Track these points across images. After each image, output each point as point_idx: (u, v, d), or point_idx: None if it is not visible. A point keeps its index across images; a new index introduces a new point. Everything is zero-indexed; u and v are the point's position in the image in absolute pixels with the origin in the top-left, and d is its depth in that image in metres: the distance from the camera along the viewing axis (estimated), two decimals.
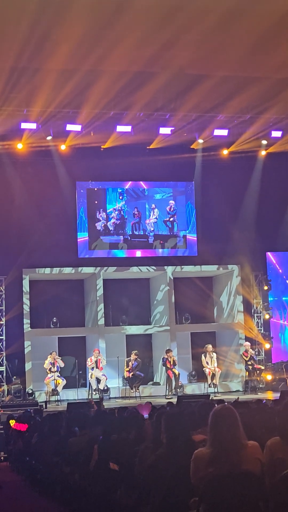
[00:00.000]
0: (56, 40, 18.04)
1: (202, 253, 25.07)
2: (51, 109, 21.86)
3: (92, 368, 21.99)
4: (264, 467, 5.49)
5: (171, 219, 25.36)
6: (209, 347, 23.00)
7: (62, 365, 22.09)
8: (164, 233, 25.27)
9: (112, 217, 24.92)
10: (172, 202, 25.41)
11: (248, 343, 23.44)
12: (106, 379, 22.02)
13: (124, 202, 25.10)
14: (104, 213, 24.82)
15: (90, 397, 21.57)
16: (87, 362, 22.40)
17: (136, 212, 25.09)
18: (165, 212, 25.35)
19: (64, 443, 10.36)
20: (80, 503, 9.14)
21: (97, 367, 21.94)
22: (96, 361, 21.99)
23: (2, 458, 15.81)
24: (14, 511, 10.61)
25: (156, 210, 25.27)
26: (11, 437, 15.20)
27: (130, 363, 22.33)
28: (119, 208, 25.03)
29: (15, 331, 22.82)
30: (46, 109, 21.82)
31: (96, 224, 24.74)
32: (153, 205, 25.27)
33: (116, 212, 24.98)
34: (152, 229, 25.18)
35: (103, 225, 24.80)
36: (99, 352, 22.34)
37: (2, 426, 16.47)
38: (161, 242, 25.19)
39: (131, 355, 22.65)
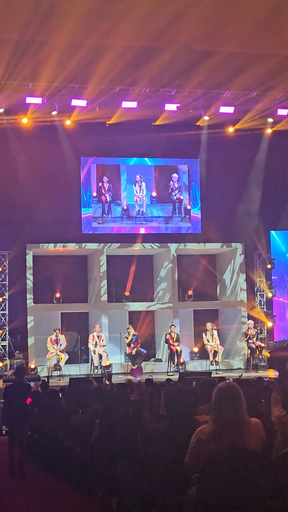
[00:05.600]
0: (62, 13, 17.87)
1: (206, 230, 24.99)
2: (57, 83, 21.71)
3: (94, 345, 22.02)
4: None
5: (176, 196, 25.24)
6: (208, 325, 23.00)
7: (65, 344, 22.15)
8: (169, 209, 25.14)
9: (117, 193, 24.82)
10: (176, 176, 25.26)
11: (251, 322, 23.42)
12: (107, 355, 22.05)
13: (130, 177, 24.97)
14: (110, 189, 24.71)
15: (91, 373, 21.64)
16: (89, 340, 22.40)
17: (141, 188, 24.96)
18: (170, 188, 25.22)
19: (66, 418, 10.41)
20: (80, 477, 9.19)
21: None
22: (98, 337, 22.03)
23: (3, 431, 15.83)
24: (15, 484, 10.67)
25: (161, 186, 25.15)
26: None
27: (129, 338, 22.33)
28: (125, 184, 24.92)
29: (18, 306, 22.86)
30: (51, 83, 21.67)
31: (101, 199, 24.64)
32: (158, 182, 25.14)
33: (123, 188, 24.88)
34: (157, 205, 25.05)
35: (109, 200, 24.70)
36: (101, 328, 22.38)
37: (3, 400, 16.46)
38: (166, 218, 25.10)
39: (128, 331, 22.63)
